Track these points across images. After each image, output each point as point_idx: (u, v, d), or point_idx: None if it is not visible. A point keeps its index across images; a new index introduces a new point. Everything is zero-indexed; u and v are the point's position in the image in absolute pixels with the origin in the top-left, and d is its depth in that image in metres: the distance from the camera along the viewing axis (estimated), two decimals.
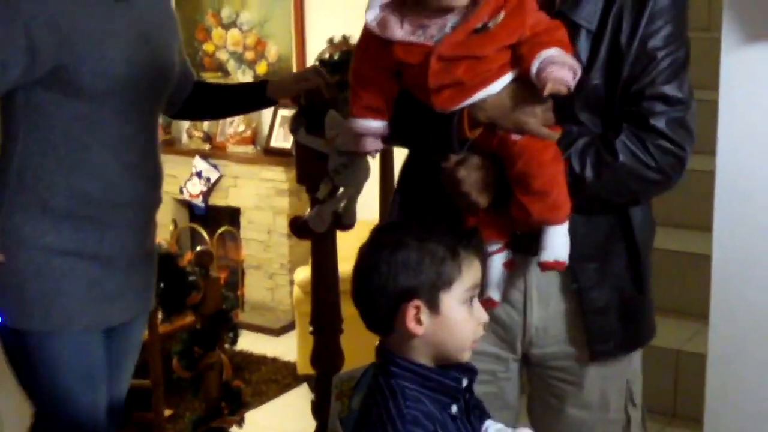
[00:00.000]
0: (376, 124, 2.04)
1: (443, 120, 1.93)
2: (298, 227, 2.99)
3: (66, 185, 2.53)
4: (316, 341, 3.06)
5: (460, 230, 1.80)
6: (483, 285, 1.92)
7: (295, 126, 2.84)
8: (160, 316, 4.29)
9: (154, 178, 2.73)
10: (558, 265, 1.96)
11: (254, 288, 6.37)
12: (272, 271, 6.25)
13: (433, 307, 1.72)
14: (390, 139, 2.07)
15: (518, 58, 1.90)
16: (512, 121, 1.90)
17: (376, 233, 1.82)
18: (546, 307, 2.14)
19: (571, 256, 2.01)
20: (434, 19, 1.90)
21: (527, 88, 1.89)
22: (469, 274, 1.73)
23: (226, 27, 6.64)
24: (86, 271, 2.57)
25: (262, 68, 6.40)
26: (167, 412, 4.71)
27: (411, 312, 1.72)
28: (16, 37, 2.38)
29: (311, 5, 6.14)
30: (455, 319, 1.73)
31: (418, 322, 1.72)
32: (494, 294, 2.05)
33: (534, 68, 1.87)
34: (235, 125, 6.46)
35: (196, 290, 4.00)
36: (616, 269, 2.13)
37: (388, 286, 1.73)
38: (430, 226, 1.80)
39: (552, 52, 1.86)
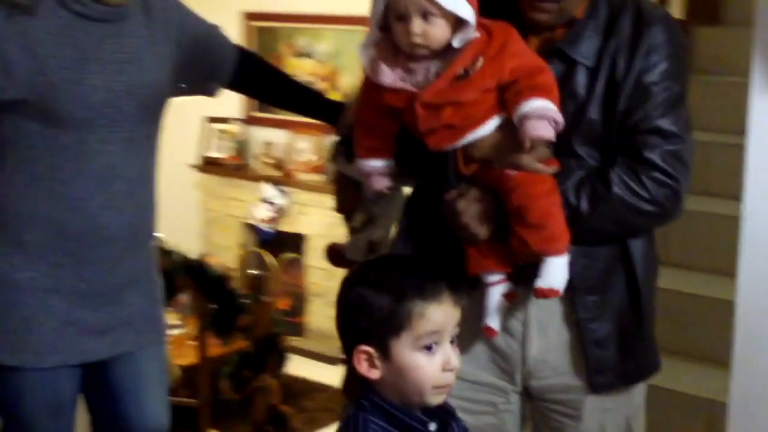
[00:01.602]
0: (379, 164, 2.09)
1: (440, 157, 1.97)
2: (334, 255, 3.01)
3: (45, 219, 2.44)
4: (348, 369, 3.07)
5: (421, 272, 1.74)
6: (483, 314, 1.92)
7: (334, 154, 2.86)
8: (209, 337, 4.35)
9: (145, 210, 2.63)
10: (551, 293, 1.97)
11: (316, 315, 6.40)
12: (335, 300, 6.26)
13: (384, 352, 1.69)
14: (396, 176, 2.11)
15: (505, 102, 1.93)
16: (506, 159, 1.93)
17: (356, 268, 1.83)
18: (545, 338, 2.14)
19: (572, 287, 2.02)
20: (419, 64, 1.94)
21: (517, 135, 1.92)
22: (421, 323, 1.68)
23: (300, 56, 6.72)
24: (62, 307, 2.49)
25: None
26: None
27: (360, 356, 1.71)
28: None
29: None
30: (407, 366, 1.69)
31: (372, 365, 1.71)
32: (493, 323, 2.07)
33: (515, 120, 1.90)
34: (304, 154, 6.52)
35: (247, 313, 4.08)
36: (616, 302, 2.13)
37: (344, 325, 1.76)
38: (392, 266, 1.78)
39: (532, 106, 1.88)
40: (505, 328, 2.13)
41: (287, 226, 6.55)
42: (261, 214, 6.64)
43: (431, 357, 1.69)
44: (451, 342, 1.72)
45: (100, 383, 2.65)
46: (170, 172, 7.27)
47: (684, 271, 3.68)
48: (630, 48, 2.03)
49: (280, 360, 4.41)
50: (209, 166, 7.16)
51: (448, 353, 1.71)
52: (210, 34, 2.76)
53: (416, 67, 1.94)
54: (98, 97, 2.42)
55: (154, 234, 2.73)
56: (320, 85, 6.47)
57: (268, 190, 6.59)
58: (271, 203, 6.60)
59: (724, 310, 3.14)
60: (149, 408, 2.70)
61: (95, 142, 2.44)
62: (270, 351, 4.26)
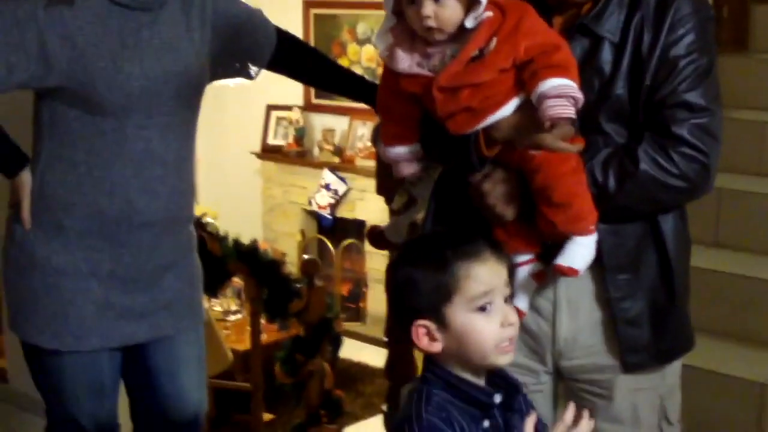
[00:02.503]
0: (404, 150, 2.07)
1: (462, 140, 1.94)
2: (375, 237, 3.01)
3: (83, 205, 2.48)
4: (391, 351, 3.07)
5: (456, 237, 1.76)
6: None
7: (375, 136, 2.85)
8: (263, 322, 4.37)
9: (182, 194, 2.64)
10: (571, 271, 1.94)
11: (376, 301, 6.42)
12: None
13: (441, 322, 1.71)
14: (423, 160, 2.09)
15: (523, 83, 1.89)
16: (528, 140, 1.89)
17: (398, 252, 1.85)
18: (576, 318, 2.11)
19: (601, 265, 2.00)
20: (435, 48, 1.92)
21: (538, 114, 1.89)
22: (469, 283, 1.69)
23: (361, 43, 6.74)
24: (100, 291, 2.53)
25: None
26: (268, 417, 4.79)
27: (419, 332, 1.72)
28: (28, 43, 2.36)
29: None
30: (466, 330, 1.70)
31: (432, 338, 1.72)
32: (521, 304, 2.04)
33: (533, 100, 1.86)
34: (364, 140, 6.53)
35: (299, 298, 4.08)
36: (647, 280, 2.09)
37: (398, 307, 1.79)
38: (427, 240, 1.82)
39: (549, 85, 1.83)
40: (535, 308, 2.10)
41: (347, 212, 6.57)
42: (321, 200, 6.67)
43: (488, 317, 1.70)
44: (505, 301, 1.72)
45: (138, 366, 2.68)
46: (233, 159, 7.48)
47: (736, 252, 3.60)
48: (655, 21, 1.98)
49: (335, 345, 4.40)
50: (270, 153, 7.21)
51: (504, 310, 1.72)
52: (249, 18, 2.76)
53: (432, 52, 1.92)
54: (136, 84, 2.44)
55: (192, 218, 2.75)
56: (381, 71, 6.46)
57: (328, 176, 6.61)
58: (331, 189, 6.62)
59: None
60: (187, 392, 2.73)
61: (133, 127, 2.47)
62: (324, 336, 4.25)
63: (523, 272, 2.03)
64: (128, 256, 2.54)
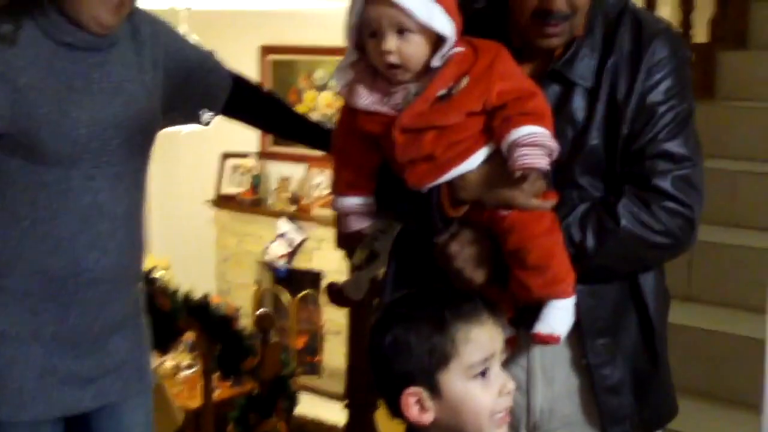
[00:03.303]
0: (357, 201, 1.89)
1: (423, 197, 1.79)
2: (334, 294, 2.85)
3: (25, 263, 2.32)
4: (350, 416, 2.91)
5: (454, 297, 1.63)
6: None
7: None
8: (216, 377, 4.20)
9: (132, 249, 2.48)
10: (552, 339, 1.79)
11: (333, 354, 6.26)
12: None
13: (434, 390, 1.57)
14: (376, 216, 1.91)
15: (492, 131, 1.75)
16: (497, 198, 1.75)
17: (379, 312, 1.69)
18: (552, 386, 1.97)
19: (580, 330, 1.87)
20: (398, 86, 1.77)
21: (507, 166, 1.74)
22: (468, 347, 1.56)
23: (319, 89, 6.64)
24: (43, 355, 2.36)
25: None
26: None
27: (409, 401, 1.57)
28: None
29: None
30: (462, 398, 1.56)
31: (423, 408, 1.57)
32: None
33: (503, 150, 1.72)
34: (321, 188, 6.41)
35: (253, 355, 3.92)
36: (628, 344, 1.97)
37: (384, 373, 1.62)
38: (419, 298, 1.65)
39: (522, 132, 1.70)
40: None
41: (303, 263, 6.45)
42: (277, 250, 6.53)
43: (486, 384, 1.58)
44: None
45: None
46: (186, 208, 7.32)
47: (710, 307, 3.53)
48: (631, 66, 1.86)
49: (291, 402, 4.23)
50: (225, 201, 7.08)
51: (502, 377, 1.60)
52: (202, 61, 2.63)
53: (395, 90, 1.77)
54: (83, 131, 2.29)
55: (142, 275, 2.59)
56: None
57: (284, 225, 6.48)
58: (288, 239, 6.48)
59: (754, 349, 2.97)
60: None
61: (80, 178, 2.31)
62: (279, 393, 4.09)
63: None
64: (74, 317, 2.36)
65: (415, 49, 1.71)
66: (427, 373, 1.56)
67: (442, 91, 1.73)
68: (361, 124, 1.79)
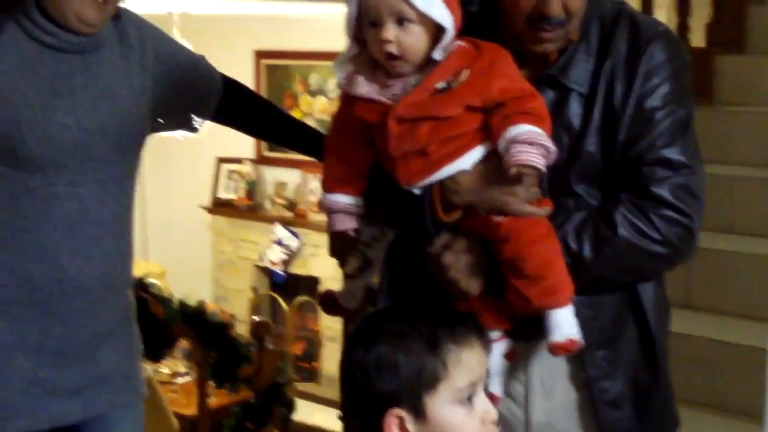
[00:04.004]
0: (345, 200, 1.85)
1: (415, 201, 1.75)
2: (328, 303, 2.81)
3: (8, 270, 2.27)
4: (346, 428, 2.87)
5: (446, 316, 1.56)
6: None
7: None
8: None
9: (119, 257, 2.41)
10: (572, 344, 1.73)
11: (331, 361, 6.23)
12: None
13: (419, 413, 1.49)
14: (365, 219, 1.86)
15: (489, 129, 1.71)
16: (491, 203, 1.71)
17: (359, 324, 1.60)
18: (551, 400, 1.93)
19: None
20: (397, 78, 1.74)
21: (503, 165, 1.70)
22: (459, 370, 1.49)
23: (314, 94, 6.61)
24: (28, 366, 2.30)
25: None
26: None
27: (392, 422, 1.49)
28: None
29: None
30: (447, 423, 1.49)
31: (404, 431, 1.49)
32: (495, 388, 1.85)
33: (500, 147, 1.68)
34: (317, 194, 6.38)
35: (249, 362, 3.89)
36: (628, 356, 1.92)
37: (362, 392, 1.52)
38: (410, 314, 1.57)
39: (521, 130, 1.66)
40: (505, 391, 1.91)
41: (300, 269, 6.41)
42: (273, 256, 6.50)
43: (471, 410, 1.50)
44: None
45: None
46: (181, 214, 7.29)
47: (709, 315, 3.49)
48: (627, 70, 1.82)
49: (288, 410, 4.20)
50: (221, 207, 7.05)
51: (486, 404, 1.53)
52: (192, 65, 2.58)
53: (395, 81, 1.73)
54: (68, 137, 2.24)
55: (131, 283, 2.53)
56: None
57: (280, 231, 6.45)
58: (284, 245, 6.45)
59: (756, 358, 2.98)
60: None
61: (64, 185, 2.26)
62: (275, 402, 4.06)
63: (494, 352, 1.83)
64: (59, 327, 2.31)
65: (414, 39, 1.68)
66: (414, 394, 1.48)
67: (441, 84, 1.69)
68: (359, 112, 1.75)
